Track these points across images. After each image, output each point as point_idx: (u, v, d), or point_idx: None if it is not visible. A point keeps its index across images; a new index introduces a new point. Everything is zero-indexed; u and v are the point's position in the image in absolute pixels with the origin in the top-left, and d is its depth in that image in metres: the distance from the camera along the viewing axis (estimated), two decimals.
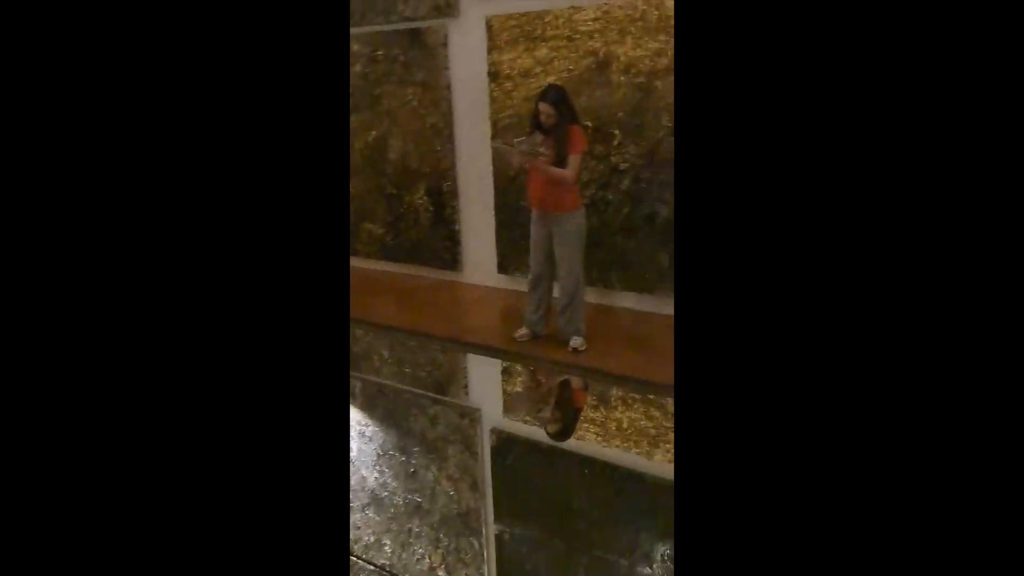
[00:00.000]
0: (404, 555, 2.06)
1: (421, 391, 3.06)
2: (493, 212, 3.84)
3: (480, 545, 2.09)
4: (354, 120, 4.23)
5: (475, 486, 2.35)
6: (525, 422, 2.81)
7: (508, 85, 3.61)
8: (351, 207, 4.32)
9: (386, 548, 2.09)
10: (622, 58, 3.23)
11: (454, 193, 4.00)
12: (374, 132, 4.19)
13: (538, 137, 2.88)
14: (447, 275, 4.14)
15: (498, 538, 2.12)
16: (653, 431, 2.60)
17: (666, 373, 2.79)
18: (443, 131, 3.94)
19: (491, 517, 2.21)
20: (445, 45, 3.82)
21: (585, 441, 2.61)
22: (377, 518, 2.23)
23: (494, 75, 3.65)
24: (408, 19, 3.92)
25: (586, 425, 2.74)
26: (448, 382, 3.33)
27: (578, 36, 3.34)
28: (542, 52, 3.46)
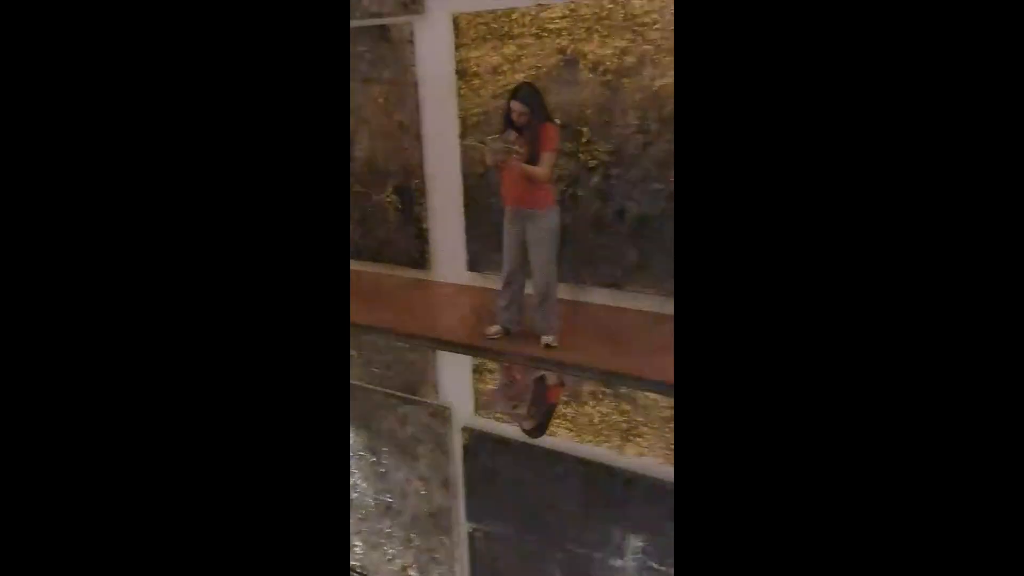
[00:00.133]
0: (375, 556, 2.03)
1: (391, 391, 3.02)
2: (462, 210, 3.82)
3: (452, 544, 2.07)
4: None
5: (447, 485, 2.34)
6: (496, 419, 2.80)
7: (476, 82, 3.60)
8: None
9: (357, 549, 2.06)
10: (589, 56, 3.25)
11: (422, 191, 3.97)
12: None
13: (511, 135, 2.88)
14: (416, 273, 4.10)
15: (470, 536, 2.11)
16: (624, 425, 2.61)
17: (636, 366, 2.81)
18: (411, 129, 3.91)
19: (463, 516, 2.20)
20: (412, 42, 3.79)
21: (557, 437, 2.62)
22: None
23: (462, 72, 3.63)
24: (374, 15, 3.88)
25: (558, 421, 2.75)
26: (418, 381, 3.30)
27: (546, 34, 3.34)
28: (510, 49, 3.46)
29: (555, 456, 2.42)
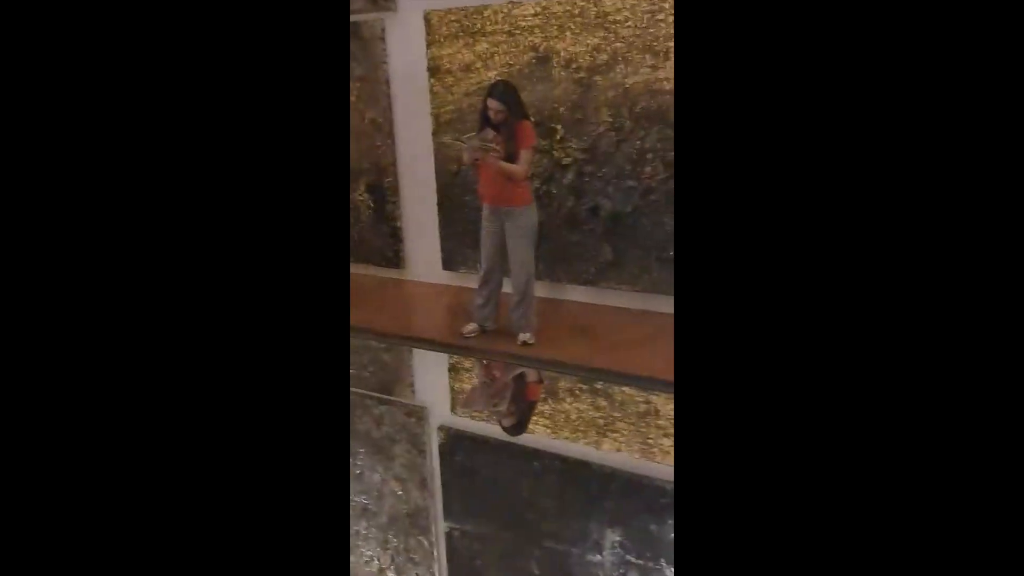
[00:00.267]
0: (352, 558, 2.00)
1: (366, 391, 2.99)
2: (436, 208, 3.80)
3: (430, 544, 2.06)
4: None
5: (423, 485, 2.32)
6: (473, 418, 2.79)
7: (449, 80, 3.58)
8: None
9: None
10: (562, 53, 3.25)
11: (395, 189, 3.93)
12: None
13: (489, 133, 2.88)
14: (390, 273, 4.07)
15: (448, 536, 2.09)
16: (601, 421, 2.62)
17: (613, 361, 2.82)
18: (383, 126, 3.87)
19: (440, 515, 2.18)
20: (383, 39, 3.76)
21: (534, 434, 2.61)
22: None
23: (434, 70, 3.61)
24: None
25: (535, 418, 2.75)
26: (393, 381, 3.27)
27: (518, 31, 3.33)
28: (482, 47, 3.44)
29: (532, 453, 2.42)
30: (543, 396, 2.92)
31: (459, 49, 3.50)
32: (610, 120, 3.22)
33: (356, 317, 3.48)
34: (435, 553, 2.02)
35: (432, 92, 3.64)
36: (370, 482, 2.35)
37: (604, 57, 3.17)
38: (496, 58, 3.41)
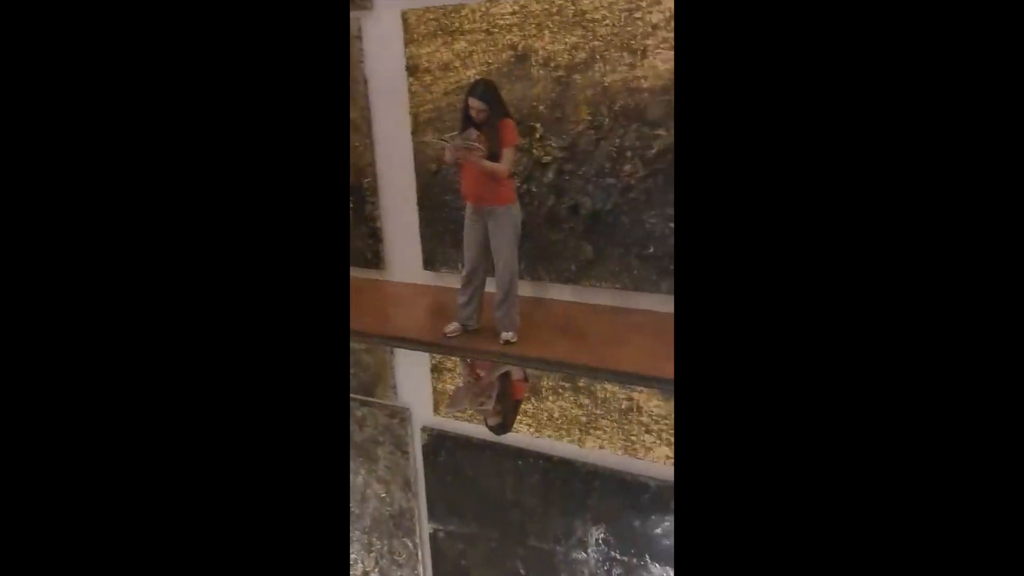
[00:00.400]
0: None
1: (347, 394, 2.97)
2: (416, 208, 3.78)
3: (415, 545, 2.04)
4: None
5: (407, 486, 2.30)
6: (456, 418, 2.78)
7: (427, 79, 3.56)
8: None
9: None
10: (540, 52, 3.25)
11: (374, 189, 3.90)
12: None
13: (472, 133, 2.87)
14: (370, 273, 4.04)
15: (432, 537, 2.08)
16: (584, 419, 2.63)
17: (596, 359, 2.83)
18: (361, 126, 3.84)
19: (425, 516, 2.17)
20: (360, 38, 3.73)
21: (517, 433, 2.61)
22: None
23: (412, 69, 3.58)
24: None
25: (518, 417, 2.74)
26: (375, 383, 3.25)
27: (496, 30, 3.33)
28: (460, 45, 3.43)
29: (515, 452, 2.42)
30: (526, 395, 2.92)
31: (437, 48, 3.49)
32: (589, 118, 3.23)
33: None
34: (420, 555, 2.01)
35: (410, 91, 3.61)
36: (353, 485, 2.33)
37: (582, 55, 3.17)
38: (474, 57, 3.40)
